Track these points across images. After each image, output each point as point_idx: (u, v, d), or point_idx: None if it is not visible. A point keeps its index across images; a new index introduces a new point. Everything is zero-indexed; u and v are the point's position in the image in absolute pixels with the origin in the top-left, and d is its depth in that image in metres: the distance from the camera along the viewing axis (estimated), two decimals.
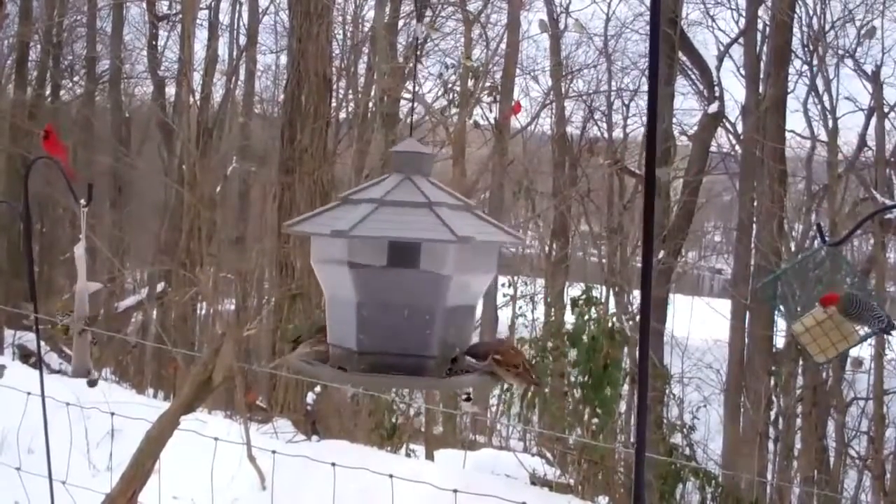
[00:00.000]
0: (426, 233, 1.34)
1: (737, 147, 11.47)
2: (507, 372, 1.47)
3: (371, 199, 1.39)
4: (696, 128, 11.84)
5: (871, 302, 2.33)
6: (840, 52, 10.69)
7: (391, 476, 2.72)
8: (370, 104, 11.28)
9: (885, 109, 10.35)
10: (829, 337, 2.38)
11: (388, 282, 1.39)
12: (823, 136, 10.92)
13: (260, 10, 13.67)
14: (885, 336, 2.73)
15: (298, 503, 3.75)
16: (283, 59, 12.69)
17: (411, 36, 11.96)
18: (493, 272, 1.50)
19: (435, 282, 1.38)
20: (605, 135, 13.86)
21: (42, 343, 4.82)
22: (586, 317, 6.00)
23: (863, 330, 2.40)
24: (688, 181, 11.37)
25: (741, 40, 11.30)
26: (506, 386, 6.30)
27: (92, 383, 4.47)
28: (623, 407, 8.02)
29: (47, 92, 14.26)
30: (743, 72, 11.03)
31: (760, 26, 10.76)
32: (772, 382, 9.49)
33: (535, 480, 5.28)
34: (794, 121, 11.19)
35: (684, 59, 11.45)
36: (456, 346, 1.45)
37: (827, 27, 10.69)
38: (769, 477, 9.29)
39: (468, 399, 5.46)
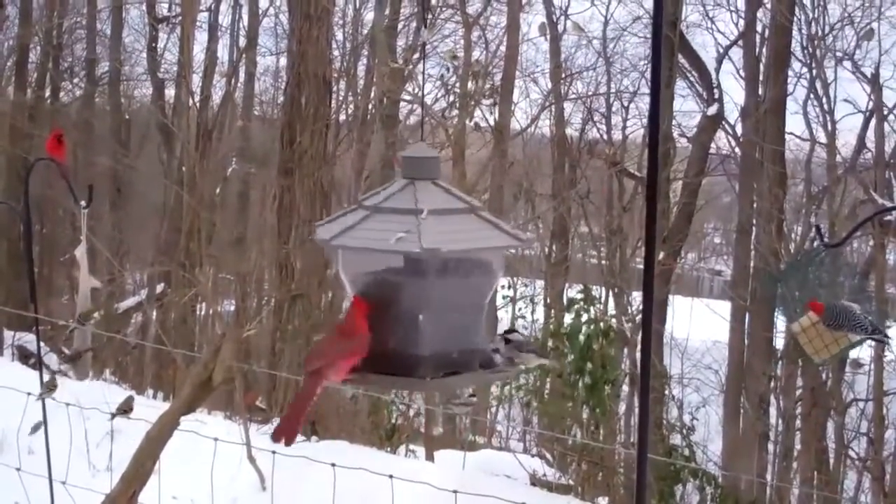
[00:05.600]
0: (494, 240, 1.42)
1: (736, 149, 11.48)
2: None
3: (411, 210, 1.41)
4: (695, 130, 11.85)
5: (854, 312, 2.35)
6: (839, 54, 10.72)
7: (391, 476, 2.72)
8: (370, 106, 11.30)
9: (884, 112, 10.37)
10: (822, 339, 2.40)
11: (446, 288, 1.43)
12: (823, 138, 10.93)
13: (260, 12, 13.69)
14: (885, 340, 2.74)
15: (298, 503, 3.76)
16: (283, 61, 12.70)
17: (410, 38, 11.99)
18: (501, 270, 1.56)
19: (487, 283, 1.45)
20: (605, 137, 13.88)
21: (42, 344, 4.82)
22: (584, 317, 6.01)
23: (855, 335, 2.42)
24: (687, 183, 11.38)
25: (740, 42, 11.31)
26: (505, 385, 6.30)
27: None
28: (622, 407, 8.04)
29: (47, 94, 14.26)
30: (742, 74, 11.04)
31: (759, 28, 10.78)
32: (771, 384, 9.50)
33: (535, 481, 5.28)
34: (794, 123, 11.17)
35: (683, 61, 11.46)
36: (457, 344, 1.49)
37: (826, 30, 10.71)
38: (769, 478, 9.29)
39: (472, 398, 5.44)
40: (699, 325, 12.09)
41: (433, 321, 1.41)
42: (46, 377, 3.96)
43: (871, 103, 10.50)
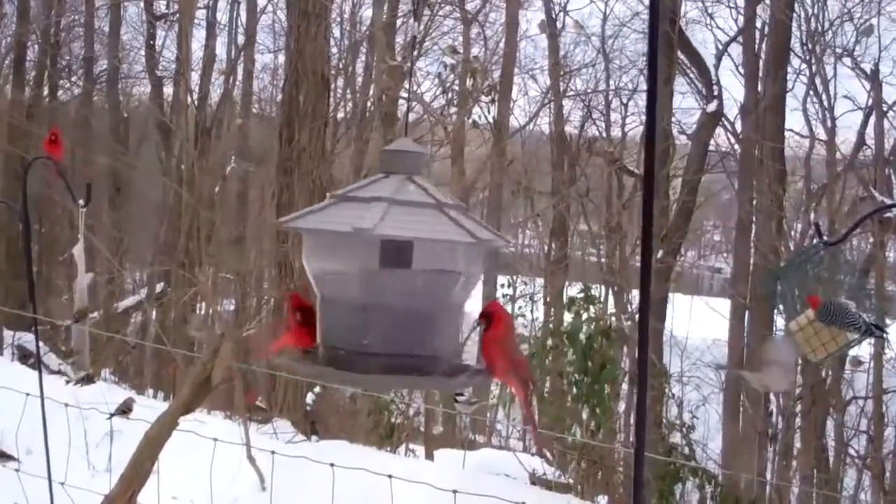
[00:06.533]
0: (448, 234, 1.35)
1: (735, 146, 11.47)
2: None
3: (380, 198, 1.38)
4: (694, 127, 11.85)
5: (849, 311, 2.35)
6: (838, 50, 10.70)
7: (390, 476, 2.72)
8: (368, 104, 11.29)
9: (884, 108, 10.36)
10: (819, 337, 2.40)
11: (394, 282, 1.39)
12: (822, 135, 10.93)
13: (258, 10, 13.68)
14: (883, 336, 2.74)
15: (298, 503, 3.75)
16: (281, 58, 12.69)
17: (409, 35, 11.97)
18: (482, 271, 1.51)
19: (442, 282, 1.40)
20: (604, 134, 13.88)
21: (41, 344, 4.81)
22: (584, 316, 6.00)
23: (850, 333, 2.41)
24: (687, 180, 11.37)
25: (740, 39, 11.30)
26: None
27: (87, 379, 4.42)
28: (622, 406, 8.03)
29: (45, 92, 14.24)
30: (741, 70, 11.03)
31: (759, 25, 10.76)
32: None
33: (535, 480, 5.27)
34: (793, 119, 11.20)
35: (683, 58, 11.45)
36: (457, 344, 1.46)
37: (825, 26, 10.70)
38: (768, 476, 9.29)
39: (459, 397, 5.47)
40: (699, 323, 12.08)
41: (378, 316, 1.38)
42: (121, 401, 4.00)
43: (870, 100, 10.50)
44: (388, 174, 1.44)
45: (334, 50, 12.05)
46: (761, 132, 9.82)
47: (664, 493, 5.97)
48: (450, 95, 9.76)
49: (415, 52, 10.57)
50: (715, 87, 11.23)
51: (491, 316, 1.44)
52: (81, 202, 4.63)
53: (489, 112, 10.50)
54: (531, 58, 13.99)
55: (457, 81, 9.86)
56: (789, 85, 10.40)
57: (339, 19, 12.71)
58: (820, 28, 10.64)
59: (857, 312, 2.38)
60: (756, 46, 10.71)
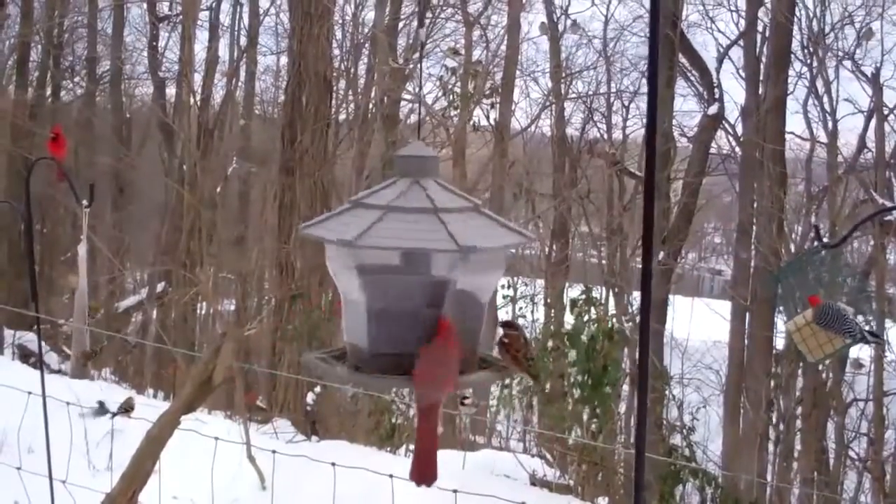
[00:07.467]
0: (429, 242, 1.35)
1: (737, 149, 11.48)
2: (507, 356, 1.50)
3: (379, 206, 1.39)
4: (695, 129, 11.85)
5: (846, 317, 2.35)
6: (839, 53, 10.71)
7: (391, 476, 2.72)
8: (370, 105, 11.30)
9: (885, 111, 10.37)
10: (816, 338, 2.41)
11: (392, 285, 1.41)
12: (823, 138, 10.93)
13: (260, 12, 13.70)
14: (879, 342, 2.76)
15: (298, 503, 3.76)
16: (284, 60, 12.72)
17: (411, 37, 11.99)
18: (502, 269, 1.52)
19: (436, 285, 1.40)
20: (605, 136, 13.89)
21: (42, 343, 4.82)
22: (585, 317, 6.00)
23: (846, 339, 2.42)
24: (688, 182, 11.38)
25: (741, 42, 11.31)
26: (505, 383, 6.32)
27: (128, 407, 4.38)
28: (623, 407, 8.03)
29: (48, 92, 14.27)
30: (743, 73, 11.04)
31: (760, 28, 10.77)
32: (771, 384, 9.49)
33: (535, 481, 5.28)
34: (794, 122, 11.20)
35: (684, 60, 11.46)
36: (467, 344, 1.46)
37: (826, 29, 10.71)
38: (769, 478, 9.29)
39: (465, 400, 5.48)
40: (699, 325, 12.09)
41: (379, 317, 1.41)
42: (123, 399, 4.02)
43: (871, 103, 10.50)
44: (399, 178, 1.45)
45: (336, 52, 12.07)
46: (762, 135, 9.82)
47: (665, 494, 5.96)
48: (451, 98, 9.77)
49: (416, 55, 10.59)
50: (716, 90, 11.24)
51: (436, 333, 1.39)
52: (85, 202, 4.65)
53: (490, 114, 10.52)
54: (533, 60, 14.03)
55: (458, 84, 9.89)
56: (790, 88, 10.42)
57: (341, 21, 12.74)
58: (821, 31, 10.65)
59: (853, 320, 2.38)
60: (757, 49, 10.71)
